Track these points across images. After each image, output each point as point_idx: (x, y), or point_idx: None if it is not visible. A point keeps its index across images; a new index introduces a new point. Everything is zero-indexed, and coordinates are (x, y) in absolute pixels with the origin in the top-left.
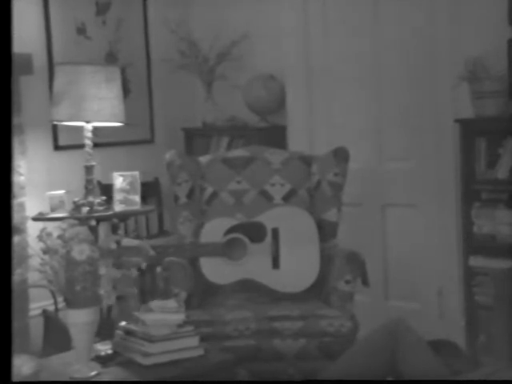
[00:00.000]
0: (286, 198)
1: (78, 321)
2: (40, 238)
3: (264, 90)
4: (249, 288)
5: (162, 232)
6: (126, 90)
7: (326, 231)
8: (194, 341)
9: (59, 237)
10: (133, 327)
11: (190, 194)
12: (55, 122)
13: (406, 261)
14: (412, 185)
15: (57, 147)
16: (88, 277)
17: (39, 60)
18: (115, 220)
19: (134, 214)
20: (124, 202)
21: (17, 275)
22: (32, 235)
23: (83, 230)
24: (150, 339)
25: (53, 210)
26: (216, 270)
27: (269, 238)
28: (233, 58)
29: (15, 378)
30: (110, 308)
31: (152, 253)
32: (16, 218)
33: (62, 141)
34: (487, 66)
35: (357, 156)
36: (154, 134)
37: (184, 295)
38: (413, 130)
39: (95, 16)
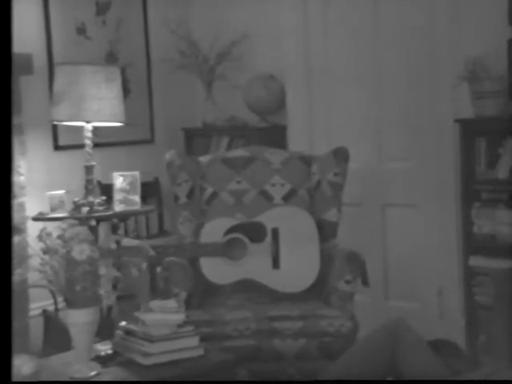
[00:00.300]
0: (286, 198)
1: (78, 321)
2: (40, 238)
3: (264, 90)
4: (249, 288)
5: (162, 232)
6: (126, 90)
7: (326, 231)
8: (193, 341)
9: (59, 237)
10: (133, 327)
11: (190, 194)
12: (55, 122)
13: (406, 261)
14: (412, 185)
15: (57, 147)
16: (88, 277)
17: (39, 60)
18: (115, 220)
19: (134, 214)
20: (124, 201)
21: (17, 275)
22: (32, 235)
23: (83, 230)
24: (150, 339)
25: (53, 210)
26: (216, 270)
27: (269, 238)
28: (233, 58)
29: (15, 377)
30: (109, 308)
31: (152, 253)
32: (16, 217)
33: (62, 141)
34: (487, 65)
35: (357, 156)
36: (154, 134)
37: (184, 295)
38: (413, 130)
39: (95, 16)
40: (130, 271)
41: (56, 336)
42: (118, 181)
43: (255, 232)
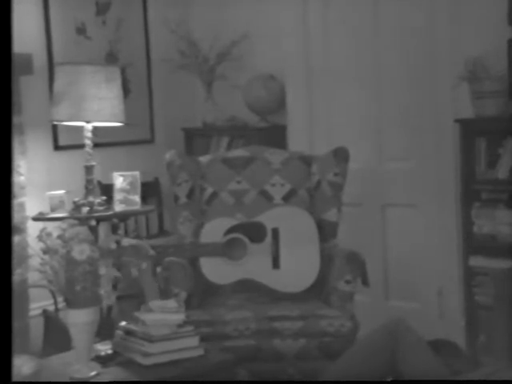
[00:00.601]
0: (286, 198)
1: (78, 321)
2: (40, 238)
3: (264, 90)
4: (249, 288)
5: (162, 232)
6: (126, 90)
7: (326, 231)
8: (193, 341)
9: (59, 237)
10: (133, 327)
11: (190, 194)
12: (55, 122)
13: (406, 261)
14: (412, 185)
15: (57, 147)
16: (88, 277)
17: (39, 60)
18: (115, 220)
19: (134, 214)
20: (124, 201)
21: (17, 275)
22: (32, 235)
23: (83, 230)
24: (150, 339)
25: (53, 210)
26: (216, 270)
27: (269, 238)
28: (233, 58)
29: (15, 377)
30: (109, 308)
31: (152, 253)
32: (16, 217)
33: (62, 141)
34: (487, 65)
35: (357, 156)
36: (154, 134)
37: (184, 295)
38: (413, 129)
39: (95, 16)
40: (129, 271)
41: (56, 336)
42: (118, 181)
43: (255, 232)
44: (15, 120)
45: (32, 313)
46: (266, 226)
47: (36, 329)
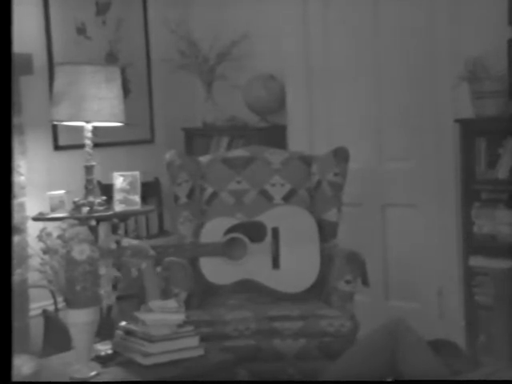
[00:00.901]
0: (286, 198)
1: (78, 321)
2: (40, 237)
3: (264, 90)
4: (249, 288)
5: (162, 232)
6: (126, 90)
7: (326, 231)
8: (193, 341)
9: (59, 237)
10: (133, 327)
11: (190, 194)
12: (55, 122)
13: (406, 261)
14: (412, 185)
15: (57, 147)
16: (88, 277)
17: (39, 60)
18: (115, 220)
19: (134, 214)
20: (124, 201)
21: (17, 275)
22: (32, 235)
23: (83, 230)
24: (150, 339)
25: (53, 209)
26: (216, 270)
27: (269, 238)
28: (233, 58)
29: (15, 377)
30: (109, 308)
31: (152, 253)
32: (16, 217)
33: (62, 141)
34: (487, 65)
35: (357, 156)
36: (154, 134)
37: (184, 295)
38: (413, 130)
39: (95, 16)
40: (129, 271)
41: (56, 336)
42: (118, 181)
43: (255, 232)
44: (15, 120)
45: (32, 313)
46: (266, 226)
47: (36, 329)
